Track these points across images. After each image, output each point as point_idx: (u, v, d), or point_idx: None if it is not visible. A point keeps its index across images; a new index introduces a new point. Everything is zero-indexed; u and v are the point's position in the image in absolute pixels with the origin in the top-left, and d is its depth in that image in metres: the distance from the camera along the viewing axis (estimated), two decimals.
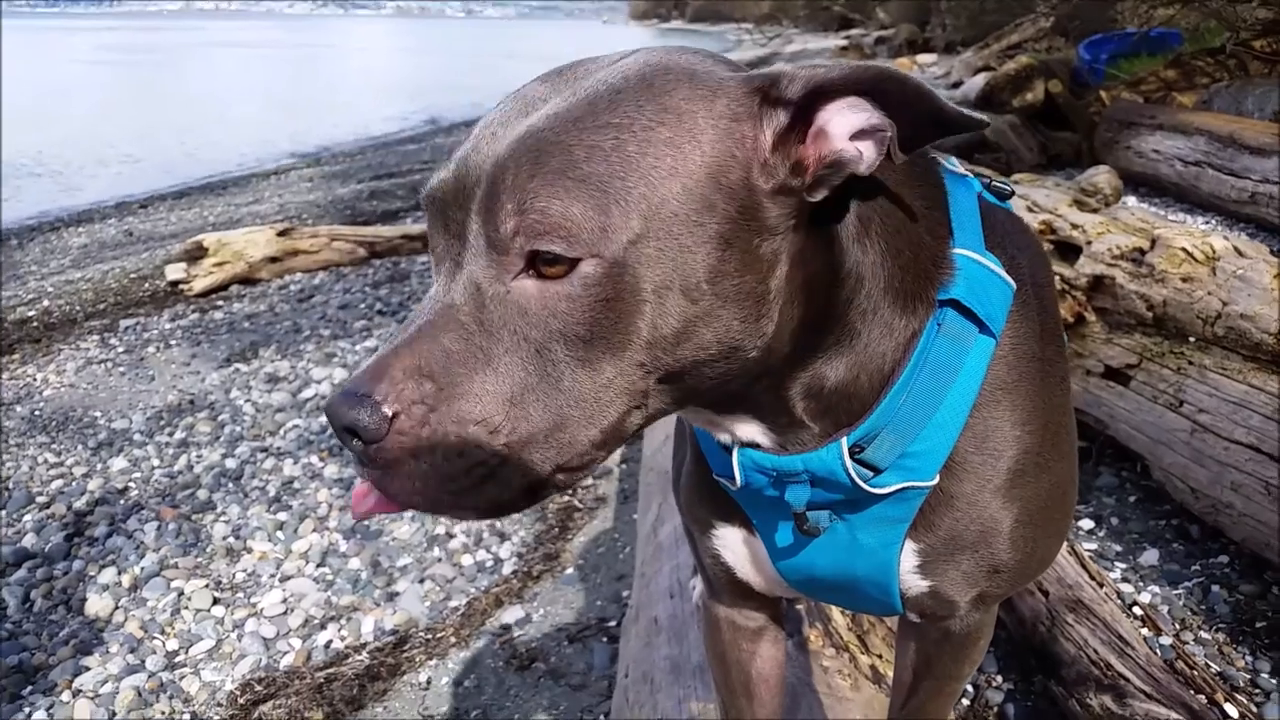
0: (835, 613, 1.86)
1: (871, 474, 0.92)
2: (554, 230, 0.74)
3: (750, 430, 0.94)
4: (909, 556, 1.01)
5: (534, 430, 0.79)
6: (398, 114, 18.68)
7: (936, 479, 0.95)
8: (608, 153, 0.76)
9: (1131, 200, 5.83)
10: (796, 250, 0.83)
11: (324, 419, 4.13)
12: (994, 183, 1.12)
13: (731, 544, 1.11)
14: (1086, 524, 2.89)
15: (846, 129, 0.79)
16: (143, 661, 2.70)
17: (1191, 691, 2.02)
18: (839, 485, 0.93)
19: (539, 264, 0.76)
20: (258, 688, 2.54)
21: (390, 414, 0.77)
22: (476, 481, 0.79)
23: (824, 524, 0.97)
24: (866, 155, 0.79)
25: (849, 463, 0.91)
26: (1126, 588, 2.58)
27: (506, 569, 3.03)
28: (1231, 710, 2.05)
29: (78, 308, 6.35)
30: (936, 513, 0.98)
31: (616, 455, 3.73)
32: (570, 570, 2.98)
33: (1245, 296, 2.72)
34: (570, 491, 3.45)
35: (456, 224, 0.81)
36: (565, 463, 0.81)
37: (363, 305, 5.86)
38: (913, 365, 0.91)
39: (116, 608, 2.97)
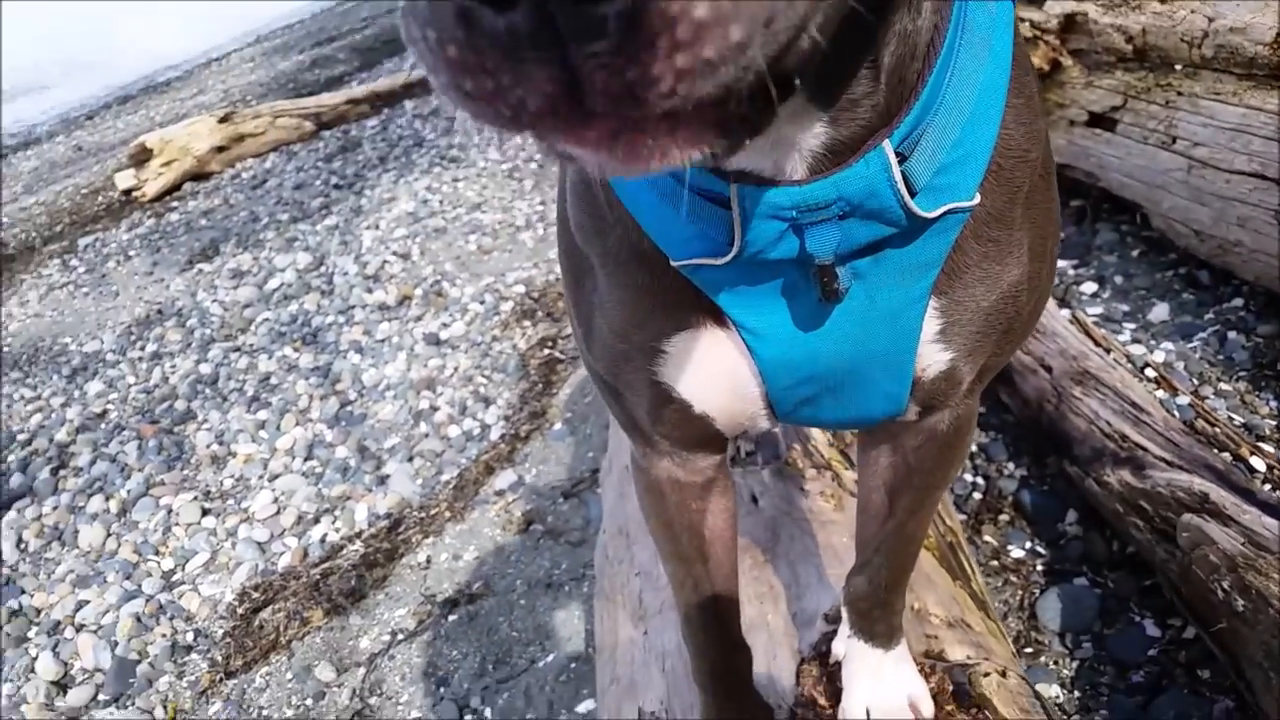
0: (814, 430, 1.72)
1: (909, 196, 0.69)
2: None
3: (813, 133, 0.66)
4: (931, 319, 0.78)
5: None
6: None
7: (978, 197, 0.72)
8: None
9: None
10: None
11: (293, 307, 3.97)
12: None
13: (694, 360, 0.83)
14: (1089, 287, 2.72)
15: None
16: (139, 586, 2.64)
17: (1214, 450, 1.89)
18: (881, 213, 0.69)
19: None
20: (254, 594, 2.48)
21: None
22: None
23: (846, 284, 0.73)
24: None
25: (897, 173, 0.67)
26: (1137, 349, 2.43)
27: (494, 434, 2.91)
28: (1258, 463, 1.93)
29: (34, 234, 6.14)
30: (961, 247, 0.75)
31: None
32: (558, 425, 2.86)
33: (1234, 7, 2.45)
34: (551, 344, 3.30)
35: None
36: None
37: (318, 182, 5.59)
38: (951, 34, 0.67)
39: (109, 535, 2.90)
